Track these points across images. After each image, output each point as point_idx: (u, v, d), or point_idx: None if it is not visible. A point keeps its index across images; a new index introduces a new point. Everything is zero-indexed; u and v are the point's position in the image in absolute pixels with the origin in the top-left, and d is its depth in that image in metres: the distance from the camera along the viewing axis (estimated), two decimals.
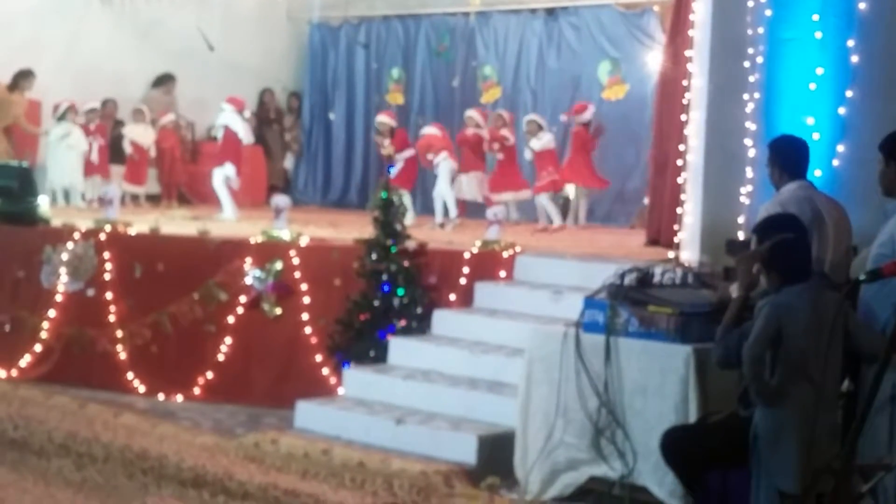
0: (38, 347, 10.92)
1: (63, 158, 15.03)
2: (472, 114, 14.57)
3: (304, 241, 10.46)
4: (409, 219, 13.41)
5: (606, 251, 10.69)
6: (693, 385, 6.61)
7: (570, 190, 14.52)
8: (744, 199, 8.59)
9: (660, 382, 6.74)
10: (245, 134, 14.48)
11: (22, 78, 14.71)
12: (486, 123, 14.41)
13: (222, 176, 14.15)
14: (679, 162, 9.08)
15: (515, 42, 16.44)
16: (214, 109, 14.96)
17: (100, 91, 15.90)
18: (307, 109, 18.17)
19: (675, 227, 9.03)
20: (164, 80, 16.74)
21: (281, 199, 11.13)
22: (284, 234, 10.54)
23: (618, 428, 6.89)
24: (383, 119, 14.78)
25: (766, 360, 5.66)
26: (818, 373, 5.56)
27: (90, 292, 10.84)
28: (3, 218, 11.63)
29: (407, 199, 13.86)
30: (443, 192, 13.83)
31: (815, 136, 8.27)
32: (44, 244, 11.14)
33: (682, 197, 8.95)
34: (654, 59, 15.06)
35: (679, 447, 6.24)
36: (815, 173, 7.60)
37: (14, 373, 10.90)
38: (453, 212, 13.73)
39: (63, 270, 10.95)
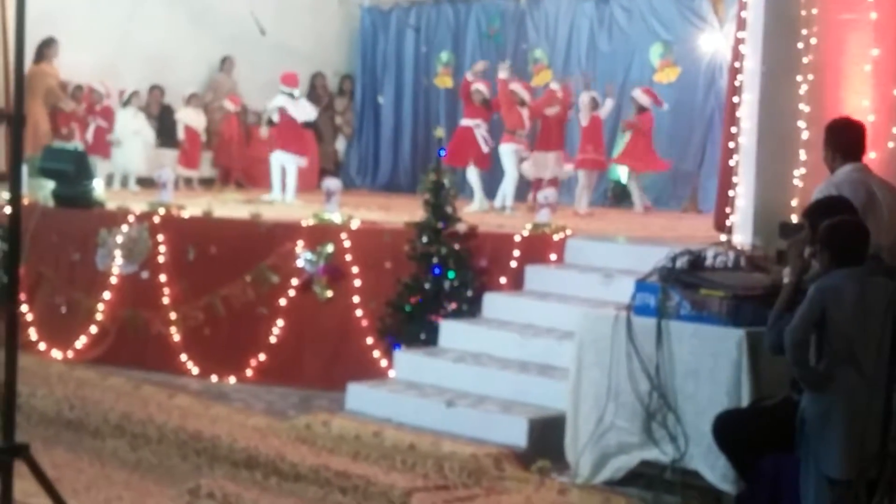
0: (93, 329, 11.06)
1: (130, 142, 15.20)
2: (554, 88, 14.11)
3: (355, 224, 10.49)
4: (478, 205, 13.36)
5: (657, 234, 10.65)
6: (746, 369, 6.57)
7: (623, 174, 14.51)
8: (797, 182, 8.51)
9: (712, 366, 6.70)
10: (299, 113, 14.45)
11: (45, 47, 14.54)
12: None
13: (293, 163, 14.20)
14: (731, 144, 9.01)
15: (566, 25, 16.38)
16: (267, 93, 15.03)
17: (154, 76, 16.06)
18: (358, 93, 18.20)
19: (727, 209, 8.97)
20: (225, 62, 16.89)
21: (332, 183, 11.19)
22: (336, 217, 10.58)
23: (669, 412, 6.86)
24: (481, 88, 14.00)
25: (810, 344, 5.61)
26: (866, 359, 5.51)
27: (144, 275, 10.95)
28: (60, 201, 11.77)
29: (477, 186, 13.77)
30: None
31: (870, 117, 8.17)
32: (99, 227, 11.27)
33: (735, 180, 8.88)
34: (706, 41, 14.98)
35: (731, 431, 6.21)
36: (870, 155, 7.52)
37: (70, 354, 11.05)
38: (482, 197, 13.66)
39: (118, 253, 11.06)
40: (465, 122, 13.96)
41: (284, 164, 14.22)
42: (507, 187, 13.57)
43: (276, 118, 14.42)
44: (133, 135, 15.27)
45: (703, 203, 14.52)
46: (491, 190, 13.85)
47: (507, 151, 13.59)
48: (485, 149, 13.74)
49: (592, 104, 13.70)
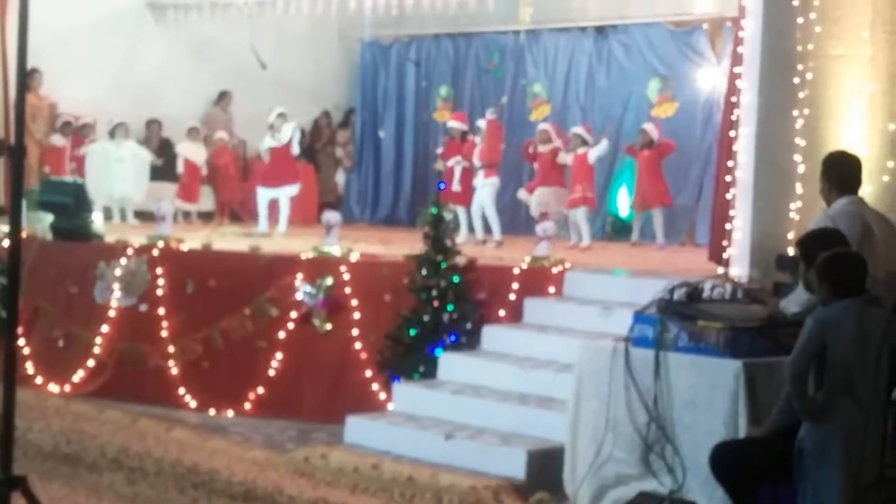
0: (91, 363, 11.04)
1: (112, 173, 15.19)
2: (545, 127, 14.26)
3: (354, 257, 10.52)
4: (462, 236, 13.44)
5: (656, 267, 10.67)
6: (743, 400, 6.58)
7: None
8: (793, 215, 8.56)
9: (709, 397, 6.72)
10: (296, 147, 14.71)
11: (28, 78, 14.50)
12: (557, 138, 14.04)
13: (288, 195, 14.37)
14: (728, 178, 9.06)
15: (565, 60, 16.47)
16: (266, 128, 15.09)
17: (153, 109, 16.11)
18: (358, 127, 18.28)
19: (725, 242, 9.01)
20: (222, 97, 16.96)
21: (332, 216, 11.22)
22: (335, 250, 10.61)
23: (667, 443, 6.88)
24: (454, 125, 14.55)
25: (809, 375, 5.64)
26: (864, 388, 5.54)
27: (143, 308, 10.94)
28: (58, 234, 11.79)
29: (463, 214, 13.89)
30: (487, 212, 13.77)
31: (866, 151, 8.22)
32: (98, 260, 11.26)
33: (732, 213, 8.92)
34: (704, 77, 15.05)
35: (729, 462, 6.21)
36: (866, 189, 7.55)
37: (67, 388, 11.02)
38: (496, 232, 13.68)
39: (116, 286, 11.06)
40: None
41: (278, 197, 14.43)
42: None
43: (266, 158, 14.57)
44: (116, 162, 15.21)
45: (701, 236, 14.54)
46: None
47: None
48: (457, 187, 13.88)
49: (577, 142, 13.71)
